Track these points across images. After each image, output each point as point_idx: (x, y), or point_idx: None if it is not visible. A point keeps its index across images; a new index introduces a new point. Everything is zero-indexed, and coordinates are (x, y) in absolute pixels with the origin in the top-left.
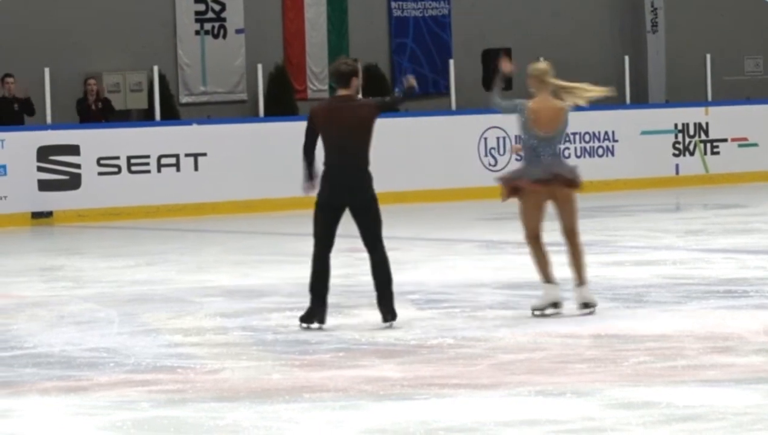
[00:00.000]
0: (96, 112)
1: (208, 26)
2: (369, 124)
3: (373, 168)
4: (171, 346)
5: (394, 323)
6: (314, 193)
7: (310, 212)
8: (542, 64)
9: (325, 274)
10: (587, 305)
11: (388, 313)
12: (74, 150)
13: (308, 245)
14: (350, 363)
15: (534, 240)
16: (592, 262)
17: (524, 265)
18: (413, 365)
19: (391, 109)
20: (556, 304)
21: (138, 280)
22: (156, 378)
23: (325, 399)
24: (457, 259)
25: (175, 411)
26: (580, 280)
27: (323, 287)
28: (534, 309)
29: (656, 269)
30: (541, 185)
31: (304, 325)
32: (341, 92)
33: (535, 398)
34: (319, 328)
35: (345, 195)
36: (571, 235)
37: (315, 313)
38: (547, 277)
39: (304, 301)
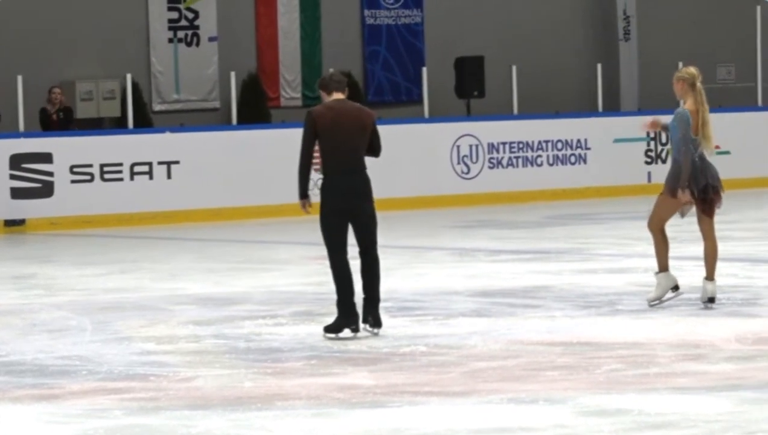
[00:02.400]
0: (57, 122)
1: (181, 34)
2: (370, 129)
3: None
4: (143, 354)
5: (378, 332)
6: (310, 209)
7: (282, 220)
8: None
9: (351, 280)
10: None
11: (373, 319)
12: (47, 158)
13: (280, 253)
14: (322, 371)
15: (659, 232)
16: (564, 269)
17: (496, 273)
18: (386, 373)
19: (372, 142)
20: (675, 288)
21: (110, 287)
22: (128, 386)
23: (298, 407)
24: (430, 267)
25: (148, 419)
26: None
27: (351, 294)
28: (651, 301)
29: (628, 277)
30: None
31: (332, 335)
32: (337, 96)
33: (507, 406)
34: (354, 337)
35: (353, 199)
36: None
37: (347, 323)
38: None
39: (277, 309)
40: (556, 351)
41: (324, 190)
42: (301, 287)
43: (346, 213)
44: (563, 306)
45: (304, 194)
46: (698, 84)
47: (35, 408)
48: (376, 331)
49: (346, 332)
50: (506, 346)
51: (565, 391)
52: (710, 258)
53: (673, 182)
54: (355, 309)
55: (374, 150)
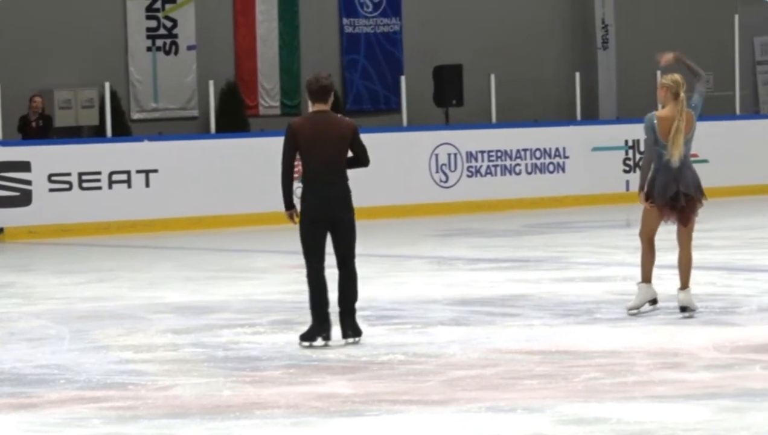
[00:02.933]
0: (36, 129)
1: (159, 42)
2: (349, 139)
3: None
4: (122, 363)
5: (359, 340)
6: (297, 219)
7: (260, 229)
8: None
9: (326, 289)
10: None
11: (351, 329)
12: (25, 166)
13: (259, 262)
14: (301, 379)
15: (648, 242)
16: (542, 277)
17: (475, 282)
18: (364, 381)
19: (355, 154)
20: (653, 301)
21: (89, 296)
22: (107, 395)
23: (276, 416)
24: (408, 276)
25: (126, 428)
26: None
27: (325, 303)
28: (630, 309)
29: (607, 285)
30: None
31: (306, 343)
32: (320, 107)
33: (485, 414)
34: (326, 345)
35: (333, 209)
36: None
37: (320, 330)
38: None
39: (256, 318)
40: (535, 360)
41: (304, 199)
42: (280, 296)
43: (326, 223)
44: (542, 314)
45: (289, 205)
46: (682, 94)
47: (13, 417)
48: (357, 339)
49: (319, 341)
50: (485, 355)
51: (543, 400)
52: (683, 267)
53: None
54: (329, 317)
55: (360, 161)
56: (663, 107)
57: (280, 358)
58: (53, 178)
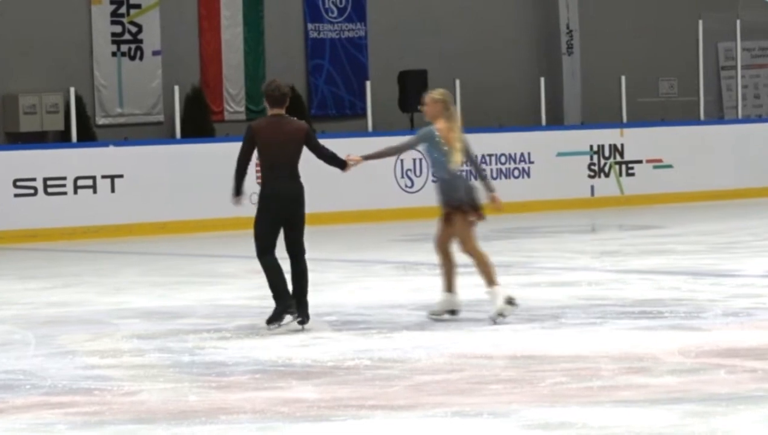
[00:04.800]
0: None
1: (124, 48)
2: (302, 140)
3: None
4: (88, 368)
5: (305, 327)
6: (241, 205)
7: (226, 234)
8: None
9: (282, 272)
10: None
11: (304, 316)
12: None
13: (225, 267)
14: (267, 384)
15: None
16: (509, 283)
17: (440, 287)
18: (330, 386)
19: (315, 151)
20: (453, 311)
21: (54, 301)
22: (72, 400)
23: (242, 420)
24: (374, 281)
25: (92, 433)
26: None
27: (285, 283)
28: (432, 314)
29: (572, 290)
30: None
31: (274, 325)
32: (277, 111)
33: (451, 419)
34: (296, 321)
35: (290, 205)
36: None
37: (285, 308)
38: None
39: (222, 323)
40: (500, 364)
41: (263, 197)
42: (246, 301)
43: (282, 219)
44: (508, 319)
45: (238, 192)
46: (451, 108)
47: None
48: (305, 326)
49: (288, 318)
50: (450, 360)
51: (509, 405)
52: (455, 270)
53: (446, 199)
54: (291, 296)
55: (325, 154)
56: (433, 122)
57: (246, 363)
58: (18, 184)
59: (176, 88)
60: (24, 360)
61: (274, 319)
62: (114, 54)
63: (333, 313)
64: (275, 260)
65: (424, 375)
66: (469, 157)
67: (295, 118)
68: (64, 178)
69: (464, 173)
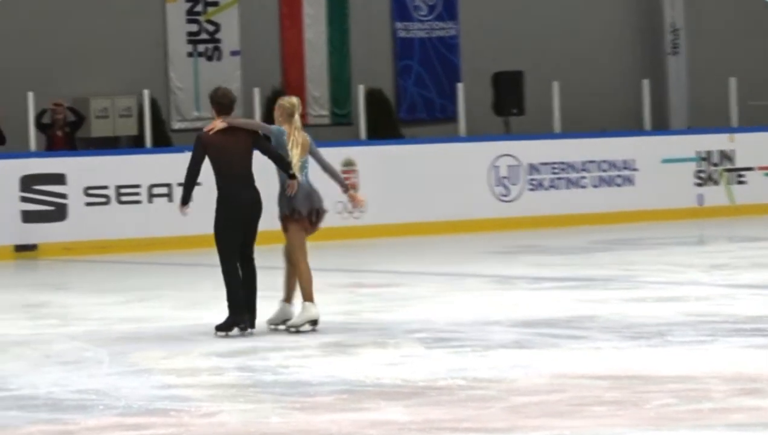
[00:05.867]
0: (63, 138)
1: (201, 48)
2: (252, 145)
3: (374, 197)
4: (164, 388)
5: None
6: (186, 214)
7: (308, 246)
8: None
9: (240, 283)
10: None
11: (251, 323)
12: (60, 179)
13: (317, 281)
14: (354, 405)
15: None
16: (610, 298)
17: (538, 302)
18: (422, 408)
19: (265, 153)
20: (314, 322)
21: (128, 317)
22: (148, 421)
23: None
24: (467, 295)
25: None
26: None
27: (241, 295)
28: (290, 326)
29: (679, 306)
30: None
31: (222, 333)
32: (224, 118)
33: None
34: (244, 334)
35: (248, 210)
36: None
37: (236, 321)
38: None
39: (305, 340)
40: (603, 385)
41: (221, 203)
42: (330, 317)
43: (241, 223)
44: (610, 337)
45: (186, 202)
46: (296, 115)
47: None
48: (252, 331)
49: (236, 331)
50: (549, 380)
51: (612, 428)
52: (305, 282)
53: (279, 206)
54: (245, 309)
55: (277, 157)
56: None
57: (331, 382)
58: (89, 192)
59: (256, 91)
60: (97, 379)
61: (225, 329)
62: (190, 54)
63: (424, 329)
64: (237, 268)
65: (521, 396)
66: (316, 158)
67: (243, 120)
68: (138, 186)
69: (307, 179)
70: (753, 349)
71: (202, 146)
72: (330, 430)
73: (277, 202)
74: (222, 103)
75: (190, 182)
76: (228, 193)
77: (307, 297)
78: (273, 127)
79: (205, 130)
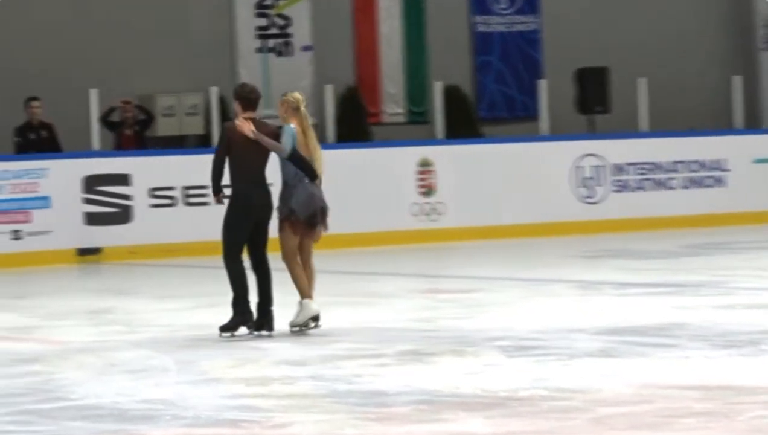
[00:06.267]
0: (133, 138)
1: (271, 43)
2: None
3: (452, 199)
4: (233, 398)
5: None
6: (223, 203)
7: (384, 250)
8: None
9: (247, 281)
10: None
11: (269, 324)
12: (124, 180)
13: (383, 286)
14: (432, 416)
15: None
16: (701, 304)
17: (625, 309)
18: (503, 419)
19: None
20: (315, 318)
21: (195, 323)
22: (217, 433)
23: None
24: (550, 302)
25: None
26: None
27: (247, 293)
28: (293, 325)
29: None
30: None
31: (227, 334)
32: (250, 114)
33: None
34: (251, 334)
35: (260, 210)
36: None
37: (243, 321)
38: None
39: (381, 348)
40: (693, 396)
41: (234, 200)
42: (407, 323)
43: (252, 223)
44: (701, 345)
45: (217, 191)
46: (302, 108)
47: None
48: (272, 333)
49: (242, 330)
50: (637, 390)
51: None
52: (311, 281)
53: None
54: (250, 308)
55: (307, 168)
56: (284, 122)
57: (408, 392)
58: (155, 193)
59: (329, 88)
60: (163, 388)
61: (231, 329)
62: (259, 50)
63: (505, 337)
64: (242, 266)
65: (607, 407)
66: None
67: (265, 120)
68: (206, 187)
69: (305, 181)
70: None
71: (227, 138)
72: None
73: (278, 199)
74: (249, 98)
75: (217, 173)
76: (241, 193)
77: (305, 295)
78: (284, 128)
79: (237, 125)
